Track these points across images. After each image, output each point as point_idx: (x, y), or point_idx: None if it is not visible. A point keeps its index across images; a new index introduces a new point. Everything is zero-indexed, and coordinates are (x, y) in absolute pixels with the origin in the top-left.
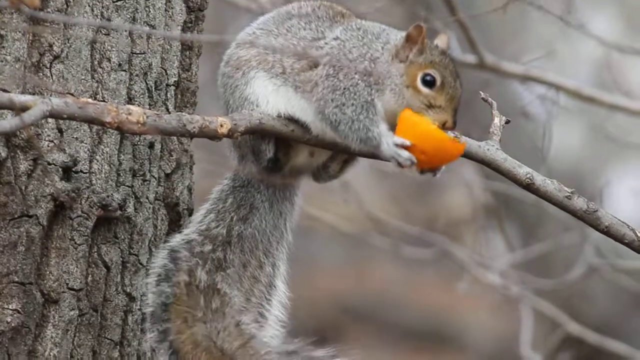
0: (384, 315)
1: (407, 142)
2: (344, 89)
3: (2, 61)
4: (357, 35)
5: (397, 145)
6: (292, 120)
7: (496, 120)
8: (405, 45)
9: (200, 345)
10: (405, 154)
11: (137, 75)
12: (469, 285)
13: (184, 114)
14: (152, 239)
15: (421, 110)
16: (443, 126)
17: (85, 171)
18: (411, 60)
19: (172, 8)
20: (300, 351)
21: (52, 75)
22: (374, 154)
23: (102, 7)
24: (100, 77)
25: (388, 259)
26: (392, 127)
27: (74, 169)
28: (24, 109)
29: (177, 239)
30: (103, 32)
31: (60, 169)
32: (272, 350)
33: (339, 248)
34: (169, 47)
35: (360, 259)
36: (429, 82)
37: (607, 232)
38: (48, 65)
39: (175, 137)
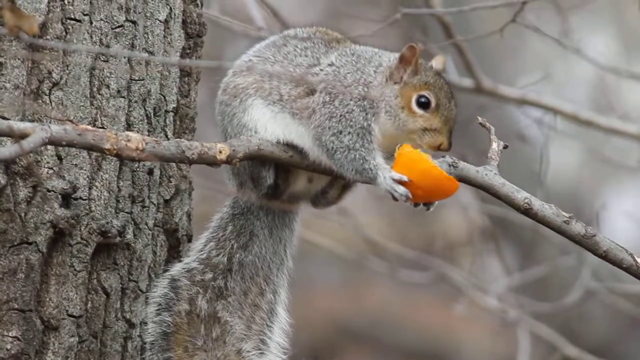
0: (381, 337)
1: (406, 179)
2: (340, 116)
3: (1, 88)
4: (351, 61)
5: (394, 180)
6: (290, 146)
7: (494, 145)
8: (399, 66)
9: None
10: (401, 189)
11: (136, 101)
12: (467, 308)
13: (182, 140)
14: (152, 265)
15: (417, 132)
16: (438, 148)
17: (84, 198)
18: (405, 82)
19: (170, 34)
20: None
21: (51, 102)
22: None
23: (101, 34)
24: (99, 104)
25: (385, 280)
26: (389, 153)
27: (73, 196)
28: (23, 136)
29: (177, 268)
30: (102, 58)
31: (59, 196)
32: None
33: (336, 270)
34: (167, 73)
35: (357, 280)
36: (424, 104)
37: (605, 256)
38: (47, 92)
39: (174, 164)
